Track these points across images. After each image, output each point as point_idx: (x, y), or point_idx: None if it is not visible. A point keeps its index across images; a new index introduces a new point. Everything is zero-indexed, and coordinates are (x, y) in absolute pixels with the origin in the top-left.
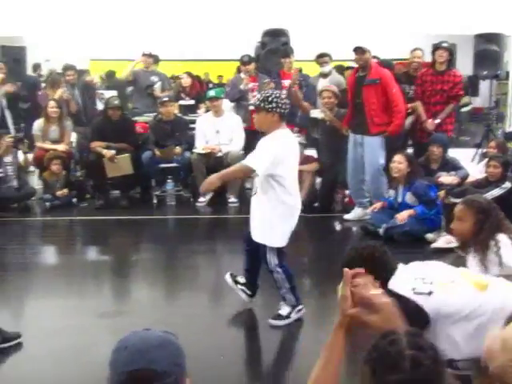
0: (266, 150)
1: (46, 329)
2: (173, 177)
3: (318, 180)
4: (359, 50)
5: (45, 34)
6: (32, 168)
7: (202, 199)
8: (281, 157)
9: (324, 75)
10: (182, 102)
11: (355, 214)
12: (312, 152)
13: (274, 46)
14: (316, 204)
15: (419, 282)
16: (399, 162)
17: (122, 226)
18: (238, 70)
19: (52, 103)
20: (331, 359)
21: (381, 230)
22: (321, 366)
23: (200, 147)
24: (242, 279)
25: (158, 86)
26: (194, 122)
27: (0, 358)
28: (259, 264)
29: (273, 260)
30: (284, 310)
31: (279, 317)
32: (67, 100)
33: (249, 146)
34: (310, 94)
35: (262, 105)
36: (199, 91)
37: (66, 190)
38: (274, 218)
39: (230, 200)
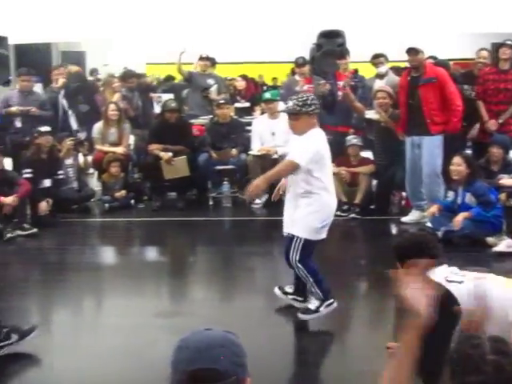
0: (306, 147)
1: (106, 327)
2: (229, 179)
3: (375, 182)
4: (412, 51)
5: (103, 39)
6: (91, 170)
7: (257, 201)
8: (320, 153)
9: (380, 76)
10: (237, 105)
11: (413, 216)
12: (368, 154)
13: (330, 47)
14: (372, 206)
15: (453, 273)
16: (458, 164)
17: (179, 228)
18: (293, 73)
19: (112, 106)
20: (405, 360)
21: (439, 234)
22: (395, 367)
23: (256, 149)
24: (290, 289)
25: (213, 89)
26: (249, 124)
27: (59, 354)
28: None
29: (294, 255)
30: (313, 303)
31: (308, 311)
32: (124, 107)
33: None
34: (366, 95)
35: (304, 109)
36: (254, 93)
37: (124, 192)
38: (306, 212)
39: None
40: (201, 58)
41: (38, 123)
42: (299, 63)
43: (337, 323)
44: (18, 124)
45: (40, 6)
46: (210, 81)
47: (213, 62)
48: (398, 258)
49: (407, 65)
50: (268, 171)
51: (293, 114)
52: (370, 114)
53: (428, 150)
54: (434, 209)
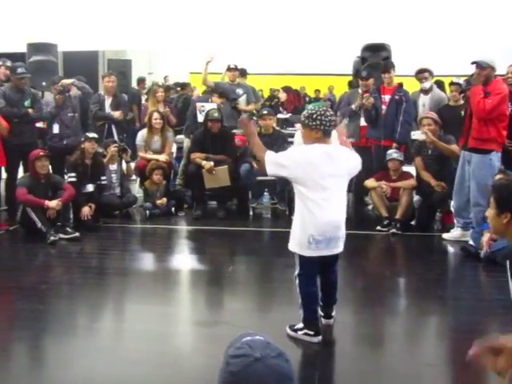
0: (286, 167)
1: (144, 334)
2: (269, 189)
3: (416, 198)
4: (478, 65)
5: (148, 48)
6: (134, 177)
7: None
8: (307, 165)
9: (425, 91)
10: (279, 116)
11: (455, 234)
12: (410, 168)
13: (375, 60)
14: (413, 222)
15: None
16: None
17: (218, 237)
18: (351, 85)
19: (156, 115)
20: None
21: (482, 253)
22: None
23: None
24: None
25: (242, 99)
26: (291, 135)
27: (97, 361)
28: (327, 284)
29: (296, 268)
30: (299, 323)
31: (292, 326)
32: (167, 115)
33: None
34: (411, 110)
35: (306, 122)
36: (296, 105)
37: (165, 200)
38: (295, 224)
39: None
40: (229, 69)
41: (74, 129)
42: (363, 76)
43: (373, 340)
44: (55, 130)
45: (88, 15)
46: (239, 91)
47: (243, 73)
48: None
49: (454, 79)
50: None
51: (300, 123)
52: (417, 135)
53: (475, 167)
54: (486, 238)
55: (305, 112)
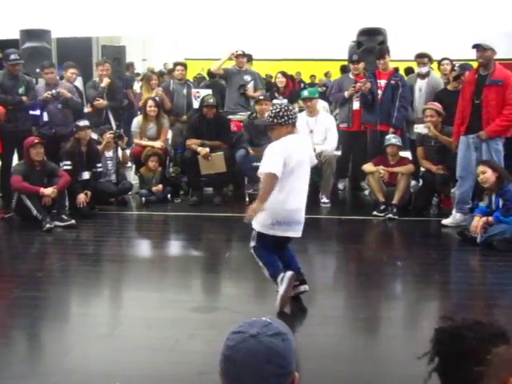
0: (273, 158)
1: (142, 320)
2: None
3: (413, 182)
4: (480, 48)
5: (142, 35)
6: (129, 163)
7: None
8: (288, 159)
9: (422, 76)
10: (275, 101)
11: (454, 219)
12: (407, 154)
13: (371, 45)
14: (410, 207)
15: None
16: (483, 172)
17: (215, 223)
18: (343, 70)
19: (150, 102)
20: None
21: (479, 237)
22: None
23: None
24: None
25: (250, 86)
26: None
27: (95, 347)
28: (286, 255)
29: (251, 242)
30: (275, 286)
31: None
32: (161, 98)
33: (349, 148)
34: (407, 95)
35: (276, 121)
36: (292, 90)
37: (161, 186)
38: None
39: (322, 200)
40: (237, 55)
41: (63, 118)
42: (354, 60)
43: (372, 324)
44: (45, 117)
45: (82, 1)
46: (247, 77)
47: (249, 59)
48: None
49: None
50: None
51: (268, 126)
52: (420, 129)
53: (486, 154)
54: (477, 222)
55: (269, 113)
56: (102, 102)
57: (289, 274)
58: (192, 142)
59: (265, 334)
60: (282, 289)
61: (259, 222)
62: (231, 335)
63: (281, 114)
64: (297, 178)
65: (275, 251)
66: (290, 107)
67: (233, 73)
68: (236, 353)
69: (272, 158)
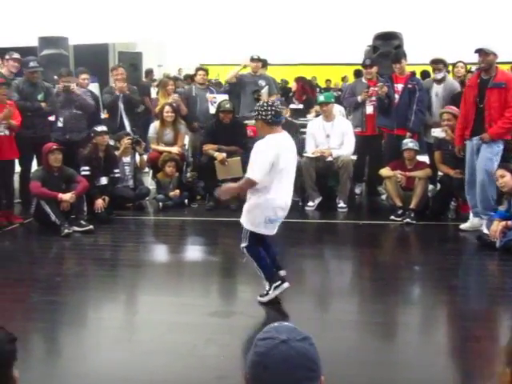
0: (260, 161)
1: (159, 325)
2: None
3: (430, 187)
4: (481, 52)
5: (158, 41)
6: (146, 169)
7: (310, 203)
8: (275, 159)
9: (438, 81)
10: (292, 106)
11: (471, 223)
12: (424, 158)
13: (386, 49)
14: (427, 212)
15: None
16: (502, 176)
17: (232, 228)
18: (356, 74)
19: (167, 108)
20: None
21: (497, 242)
22: None
23: (310, 151)
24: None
25: (265, 91)
26: (304, 126)
27: (112, 352)
28: (272, 253)
29: (243, 242)
30: (267, 286)
31: (263, 295)
32: (178, 104)
33: (363, 152)
34: (424, 99)
35: (259, 116)
36: (309, 96)
37: (178, 191)
38: (251, 205)
39: (339, 205)
40: (252, 59)
41: (78, 125)
42: (366, 64)
43: (388, 329)
44: (60, 123)
45: (99, 8)
46: (261, 82)
47: (264, 63)
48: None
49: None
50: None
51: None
52: (437, 133)
53: (483, 155)
54: (496, 227)
55: (256, 107)
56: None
57: (286, 285)
58: (209, 148)
59: (294, 339)
60: (272, 294)
61: (252, 222)
62: (259, 342)
63: (264, 109)
64: (285, 176)
65: (263, 246)
66: (275, 105)
67: (247, 78)
68: (268, 359)
69: (259, 163)
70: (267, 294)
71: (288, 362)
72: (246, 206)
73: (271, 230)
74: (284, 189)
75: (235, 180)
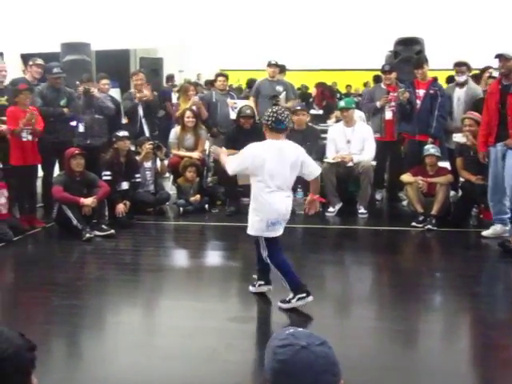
0: (242, 160)
1: (179, 329)
2: (302, 186)
3: (452, 193)
4: (502, 57)
5: (179, 46)
6: (167, 174)
7: (331, 209)
8: (260, 162)
9: (460, 85)
10: (312, 112)
11: (494, 230)
12: (446, 164)
13: (408, 54)
14: (449, 218)
15: None
16: None
17: None
18: (375, 80)
19: (188, 113)
20: None
21: None
22: None
23: (331, 157)
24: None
25: (282, 96)
26: (324, 131)
27: (133, 356)
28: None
29: (264, 252)
30: (289, 295)
31: (284, 301)
32: (198, 107)
33: (382, 157)
34: (446, 104)
35: (264, 121)
36: (329, 101)
37: (198, 196)
38: (251, 211)
39: (359, 211)
40: (269, 65)
41: (99, 130)
42: (386, 70)
43: (409, 337)
44: (81, 128)
45: (120, 14)
46: (279, 88)
47: (282, 69)
48: None
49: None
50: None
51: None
52: (458, 138)
53: (511, 162)
54: None
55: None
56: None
57: (310, 298)
58: (229, 153)
59: (314, 344)
60: (295, 304)
61: (255, 228)
62: (278, 349)
63: (266, 117)
64: (278, 181)
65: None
66: (279, 113)
67: (264, 84)
68: (291, 366)
69: (238, 162)
70: (289, 301)
71: (312, 367)
72: (249, 216)
73: (275, 232)
74: (281, 193)
75: None
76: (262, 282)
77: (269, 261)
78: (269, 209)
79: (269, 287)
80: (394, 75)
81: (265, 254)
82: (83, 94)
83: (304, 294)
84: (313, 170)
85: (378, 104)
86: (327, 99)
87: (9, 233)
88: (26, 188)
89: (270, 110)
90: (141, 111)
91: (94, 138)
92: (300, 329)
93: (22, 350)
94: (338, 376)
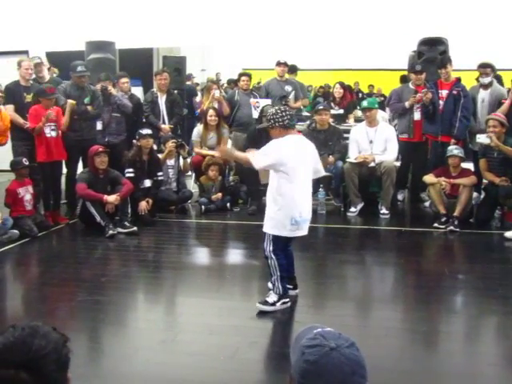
0: (269, 155)
1: (202, 327)
2: (324, 186)
3: (475, 194)
4: None
5: (201, 45)
6: (189, 172)
7: (353, 209)
8: (283, 159)
9: (484, 86)
10: (332, 112)
11: None
12: (469, 165)
13: (432, 55)
14: (472, 219)
15: None
16: None
17: None
18: (403, 80)
19: (211, 111)
20: None
21: None
22: None
23: (353, 157)
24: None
25: (291, 97)
26: (346, 131)
27: (156, 353)
28: (290, 253)
29: (268, 246)
30: (271, 297)
31: (265, 303)
32: (220, 102)
33: (409, 159)
34: (469, 105)
35: (267, 124)
36: (349, 101)
37: (220, 195)
38: (272, 208)
39: (381, 211)
40: (278, 64)
41: (117, 128)
42: (417, 70)
43: (431, 338)
44: (99, 126)
45: (144, 13)
46: (288, 88)
47: (293, 70)
48: None
49: None
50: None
51: (267, 128)
52: (482, 139)
53: None
54: None
55: (266, 117)
56: (166, 127)
57: (289, 304)
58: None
59: (343, 345)
60: (278, 307)
61: (276, 226)
62: (308, 349)
63: (269, 117)
64: (302, 175)
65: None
66: (279, 111)
67: (273, 84)
68: (321, 367)
69: (265, 159)
70: (274, 304)
71: (342, 369)
72: (268, 213)
73: (297, 231)
74: (303, 188)
75: None
76: (290, 287)
77: (273, 256)
78: (294, 206)
79: (296, 292)
80: (424, 76)
81: (269, 248)
82: (100, 91)
83: (288, 299)
84: (320, 168)
85: (407, 104)
86: (348, 100)
87: (34, 229)
88: (50, 184)
89: (278, 112)
90: (164, 109)
91: (112, 136)
92: (327, 328)
93: (59, 346)
94: (365, 378)
